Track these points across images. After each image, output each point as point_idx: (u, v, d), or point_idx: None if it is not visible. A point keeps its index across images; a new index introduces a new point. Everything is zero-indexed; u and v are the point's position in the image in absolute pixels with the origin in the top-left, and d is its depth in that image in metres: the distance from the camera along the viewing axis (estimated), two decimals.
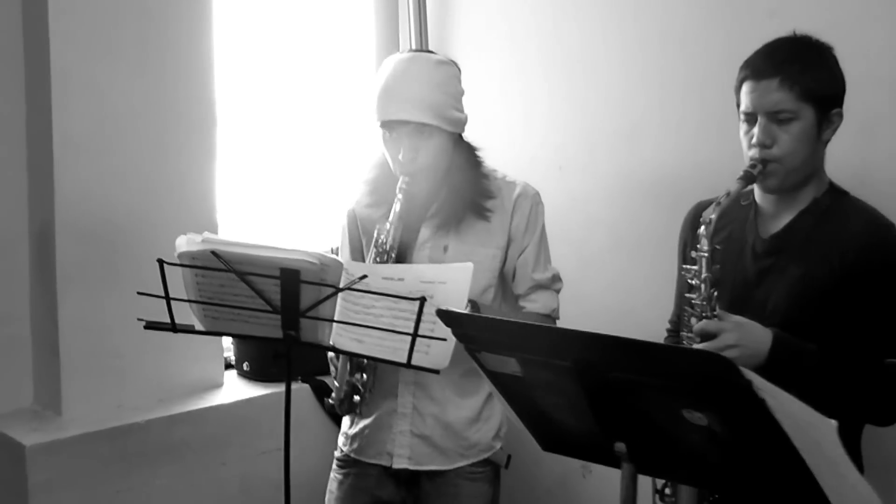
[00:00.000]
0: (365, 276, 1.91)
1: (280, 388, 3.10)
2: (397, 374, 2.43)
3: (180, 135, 3.02)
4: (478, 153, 2.49)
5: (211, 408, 3.05)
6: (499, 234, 2.44)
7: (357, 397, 2.36)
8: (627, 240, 3.18)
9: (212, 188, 3.10)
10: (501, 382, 1.73)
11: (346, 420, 2.58)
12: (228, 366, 3.37)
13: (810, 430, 1.27)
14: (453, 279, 1.92)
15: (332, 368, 2.41)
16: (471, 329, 1.66)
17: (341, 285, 1.96)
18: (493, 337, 1.62)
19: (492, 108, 3.53)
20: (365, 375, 2.37)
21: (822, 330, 2.08)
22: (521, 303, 2.47)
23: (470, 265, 1.93)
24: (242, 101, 3.46)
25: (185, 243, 1.98)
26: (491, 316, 2.17)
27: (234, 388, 3.22)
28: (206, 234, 1.98)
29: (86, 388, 2.87)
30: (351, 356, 2.26)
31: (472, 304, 2.30)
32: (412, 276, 1.93)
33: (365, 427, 2.49)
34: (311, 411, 3.25)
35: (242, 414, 3.11)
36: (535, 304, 2.46)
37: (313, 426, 3.24)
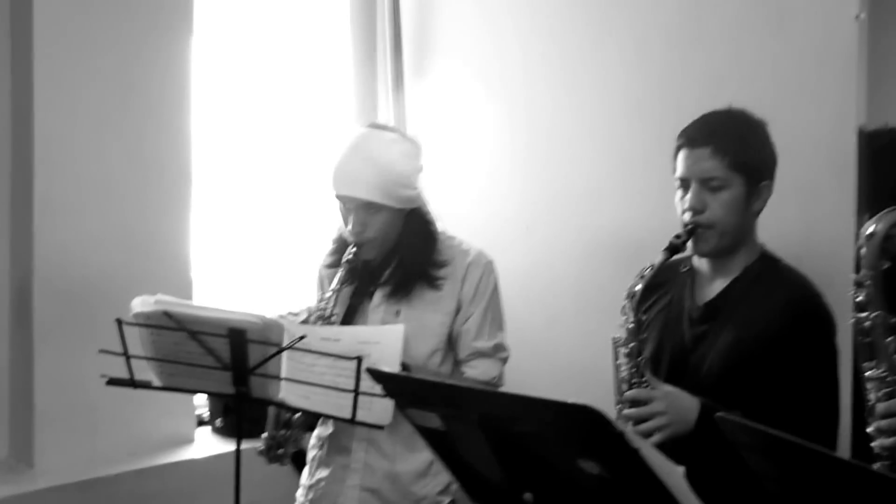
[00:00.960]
0: (304, 337, 2.03)
1: (252, 444, 3.18)
2: (352, 430, 2.51)
3: (157, 195, 3.14)
4: (432, 224, 2.59)
5: (181, 462, 3.13)
6: (448, 301, 2.53)
7: (281, 450, 2.45)
8: (592, 300, 3.27)
9: (186, 247, 3.22)
10: (428, 436, 1.82)
11: (305, 472, 2.67)
12: (202, 422, 3.45)
13: (672, 475, 1.38)
14: (386, 340, 2.04)
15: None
16: (395, 386, 1.76)
17: (284, 345, 2.07)
18: (415, 394, 1.73)
19: (460, 170, 3.67)
20: (288, 431, 2.46)
21: (754, 395, 2.14)
22: (462, 368, 2.56)
23: (401, 327, 2.06)
24: (219, 158, 3.57)
25: (140, 304, 2.11)
26: (409, 375, 2.28)
27: (206, 444, 3.30)
28: (160, 296, 2.11)
29: (58, 441, 2.95)
30: (291, 411, 2.37)
31: (404, 365, 2.38)
32: (348, 336, 2.06)
33: (320, 480, 2.59)
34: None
35: (212, 469, 3.17)
36: (475, 370, 2.54)
37: (283, 479, 3.31)
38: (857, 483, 1.28)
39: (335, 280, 2.45)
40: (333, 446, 2.55)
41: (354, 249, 2.46)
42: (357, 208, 2.45)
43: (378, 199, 2.43)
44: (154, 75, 3.14)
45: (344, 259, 2.46)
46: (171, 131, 3.19)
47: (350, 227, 2.46)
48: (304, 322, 2.38)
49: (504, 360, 2.59)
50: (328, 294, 2.43)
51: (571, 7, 3.39)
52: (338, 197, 2.48)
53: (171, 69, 3.18)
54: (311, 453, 2.63)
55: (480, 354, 2.54)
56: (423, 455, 2.55)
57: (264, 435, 2.47)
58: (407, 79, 3.81)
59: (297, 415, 2.42)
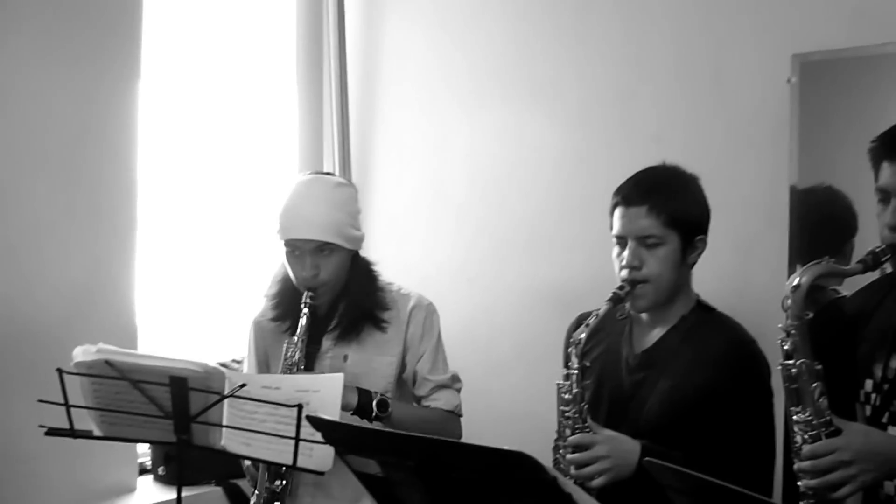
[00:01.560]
0: (244, 385, 2.05)
1: (195, 492, 3.18)
2: (299, 477, 2.52)
3: (101, 242, 3.12)
4: (373, 268, 2.66)
5: None
6: (395, 344, 2.59)
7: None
8: (531, 348, 3.34)
9: (131, 294, 3.21)
10: (368, 482, 1.85)
11: None
12: (144, 470, 3.42)
13: None
14: (326, 388, 2.08)
15: (247, 476, 2.54)
16: (334, 433, 1.79)
17: (225, 392, 2.09)
18: (353, 441, 1.76)
19: (406, 223, 3.73)
20: (284, 481, 2.48)
21: (691, 440, 2.20)
22: (425, 402, 2.62)
23: (340, 376, 2.10)
24: (165, 205, 3.56)
25: (82, 353, 2.13)
26: (348, 423, 2.30)
27: (148, 493, 3.27)
28: (101, 345, 2.12)
29: None
30: (243, 459, 2.38)
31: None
32: (288, 385, 2.10)
33: None
34: None
35: None
36: (439, 401, 2.61)
37: None
38: None
39: (300, 327, 2.48)
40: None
41: (311, 294, 2.49)
42: (310, 252, 2.48)
43: (332, 240, 2.47)
44: (101, 122, 3.14)
45: (303, 304, 2.48)
46: (118, 179, 3.18)
47: (303, 272, 2.49)
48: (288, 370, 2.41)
49: (460, 390, 2.66)
50: (294, 343, 2.46)
51: (516, 64, 3.50)
52: (290, 242, 2.50)
53: (118, 117, 3.19)
54: (254, 499, 2.62)
55: (441, 387, 2.61)
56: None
57: (255, 491, 2.48)
58: (352, 128, 3.87)
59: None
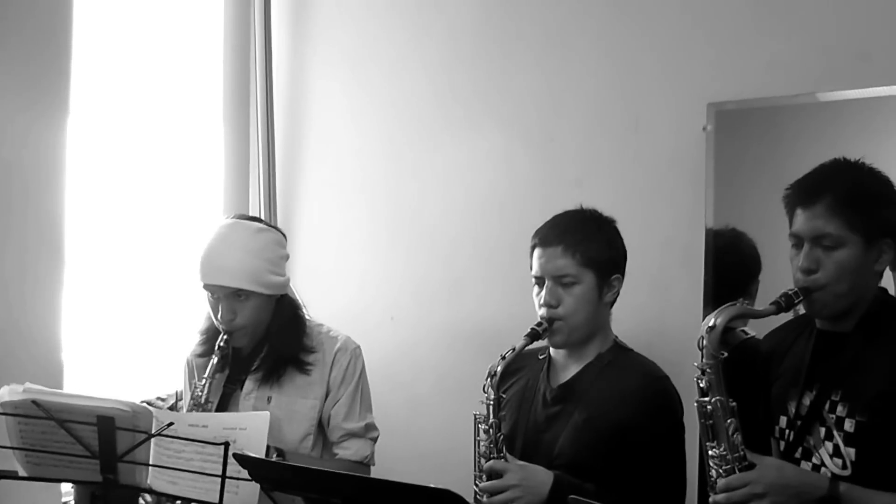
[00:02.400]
0: (171, 424, 2.08)
1: None
2: None
3: (28, 280, 3.08)
4: (301, 310, 2.70)
5: None
6: (318, 386, 2.63)
7: None
8: (454, 384, 3.40)
9: (58, 332, 3.17)
10: None
11: None
12: None
13: None
14: (252, 426, 2.11)
15: None
16: (260, 471, 1.84)
17: (153, 431, 2.11)
18: (279, 478, 1.81)
19: (329, 263, 3.78)
20: None
21: (604, 472, 2.29)
22: (335, 450, 2.64)
23: (266, 414, 2.14)
24: (92, 243, 3.52)
25: (8, 393, 2.13)
26: (272, 460, 2.35)
27: None
28: (28, 385, 2.13)
29: None
30: (167, 498, 2.39)
31: (278, 451, 2.46)
32: (215, 423, 2.12)
33: None
34: None
35: None
36: (348, 451, 2.63)
37: None
38: None
39: (208, 368, 2.51)
40: None
41: (226, 337, 2.53)
42: (226, 297, 2.52)
43: (246, 286, 2.51)
44: (28, 158, 3.11)
45: (216, 347, 2.52)
46: (45, 215, 3.15)
47: (220, 315, 2.53)
48: (173, 409, 2.42)
49: (374, 440, 2.68)
50: (202, 382, 2.50)
51: (439, 108, 3.58)
52: (206, 287, 2.55)
53: (46, 151, 3.15)
54: None
55: (352, 435, 2.63)
56: None
57: None
58: (279, 171, 3.91)
59: None
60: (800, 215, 2.11)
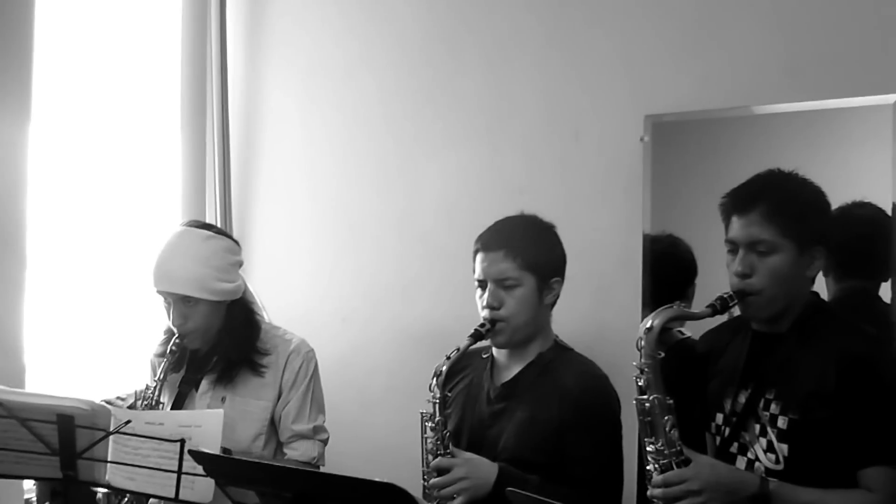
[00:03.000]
0: (129, 422, 2.17)
1: None
2: None
3: None
4: (255, 314, 2.79)
5: None
6: (271, 388, 2.72)
7: None
8: (404, 384, 3.44)
9: (20, 332, 3.20)
10: None
11: None
12: None
13: None
14: (207, 423, 2.21)
15: None
16: (215, 466, 1.94)
17: (111, 429, 2.20)
18: (233, 473, 1.91)
19: (282, 266, 3.85)
20: None
21: (546, 466, 2.41)
22: (284, 450, 2.74)
23: (220, 412, 2.24)
24: (54, 243, 3.56)
25: None
26: (227, 456, 2.44)
27: None
28: None
29: None
30: (123, 494, 2.48)
31: (225, 450, 2.51)
32: (171, 420, 2.22)
33: None
34: None
35: None
36: (296, 452, 2.72)
37: None
38: None
39: (159, 369, 2.61)
40: None
41: (178, 340, 2.62)
42: (176, 302, 2.62)
43: (193, 294, 2.60)
44: None
45: (168, 349, 2.62)
46: (7, 216, 3.18)
47: (171, 319, 2.63)
48: (131, 408, 2.51)
49: (324, 442, 2.77)
50: (153, 382, 2.58)
51: (388, 117, 3.66)
52: (158, 292, 2.64)
53: (8, 155, 3.19)
54: None
55: (300, 436, 2.72)
56: None
57: None
58: (233, 178, 3.97)
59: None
60: (735, 222, 2.20)
